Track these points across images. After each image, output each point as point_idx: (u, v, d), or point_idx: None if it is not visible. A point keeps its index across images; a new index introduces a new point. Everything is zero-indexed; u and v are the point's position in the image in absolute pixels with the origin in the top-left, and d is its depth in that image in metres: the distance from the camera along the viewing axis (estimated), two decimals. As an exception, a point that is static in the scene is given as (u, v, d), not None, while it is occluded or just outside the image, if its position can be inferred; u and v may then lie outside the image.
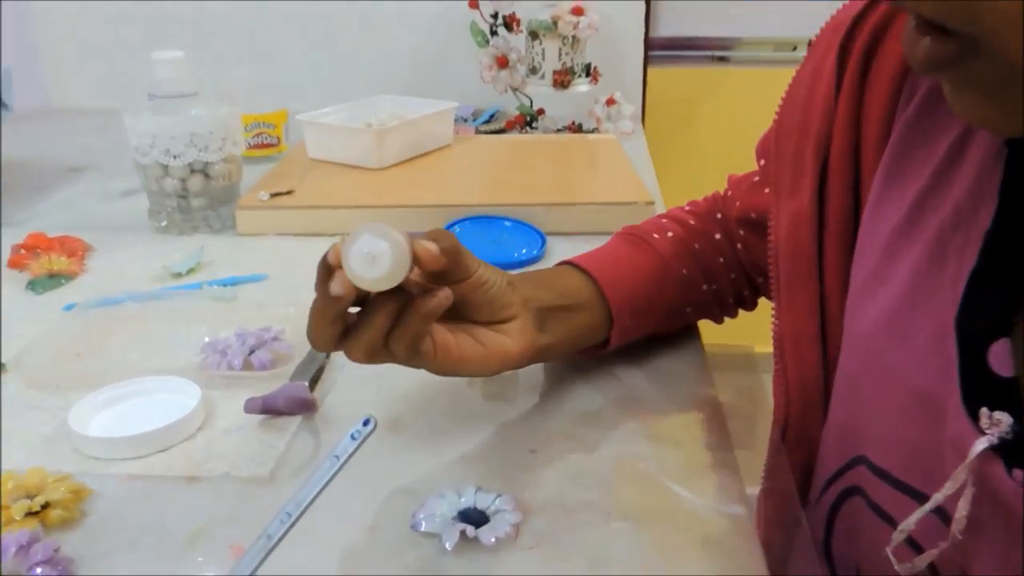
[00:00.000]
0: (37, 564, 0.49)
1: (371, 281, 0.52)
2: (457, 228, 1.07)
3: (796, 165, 0.60)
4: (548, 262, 1.01)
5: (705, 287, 0.78)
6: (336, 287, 0.52)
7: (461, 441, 0.65)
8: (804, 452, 0.65)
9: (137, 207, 1.15)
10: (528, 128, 1.58)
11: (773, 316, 0.63)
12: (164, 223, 1.10)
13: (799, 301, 0.61)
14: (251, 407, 0.66)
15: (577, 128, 1.57)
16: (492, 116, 1.66)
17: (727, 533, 0.56)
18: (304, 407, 0.67)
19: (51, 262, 0.97)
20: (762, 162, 0.75)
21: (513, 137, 1.50)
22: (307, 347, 0.76)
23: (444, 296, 0.55)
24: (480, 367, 0.62)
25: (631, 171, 1.23)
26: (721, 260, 0.78)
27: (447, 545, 0.53)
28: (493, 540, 0.53)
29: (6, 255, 1.00)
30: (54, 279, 0.95)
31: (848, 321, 0.58)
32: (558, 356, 0.71)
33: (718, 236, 0.79)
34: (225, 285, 0.92)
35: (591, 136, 1.48)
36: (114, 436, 0.64)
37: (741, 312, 0.82)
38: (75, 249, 1.01)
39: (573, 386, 0.72)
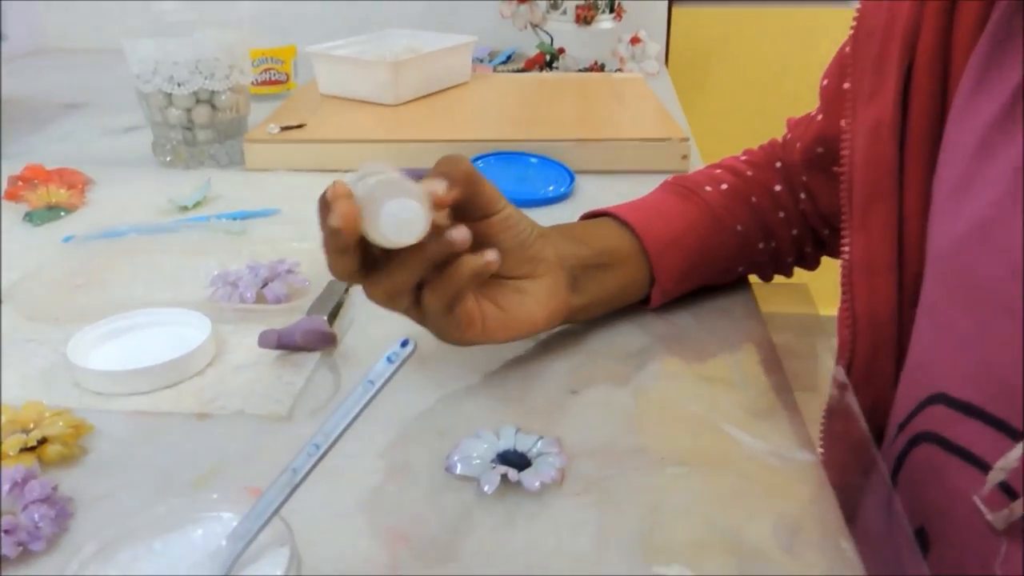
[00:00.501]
0: (33, 502, 0.44)
1: (404, 244, 0.49)
2: (480, 164, 1.00)
3: (878, 67, 0.54)
4: (577, 202, 0.95)
5: (762, 245, 0.71)
6: (335, 220, 0.48)
7: (497, 380, 0.60)
8: (871, 395, 0.59)
9: (140, 142, 1.09)
10: (548, 69, 1.51)
11: (844, 244, 0.57)
12: (169, 157, 1.04)
13: (875, 224, 0.55)
14: (266, 341, 0.60)
15: (600, 68, 1.49)
16: (509, 57, 1.58)
17: (794, 480, 0.51)
18: (323, 341, 0.61)
19: (49, 194, 0.91)
20: (825, 82, 0.69)
21: (535, 75, 1.43)
22: (324, 281, 0.71)
23: (493, 258, 0.53)
24: (503, 337, 0.58)
25: (661, 108, 1.16)
26: (781, 215, 0.72)
27: (486, 488, 0.48)
28: (538, 485, 0.48)
29: (3, 187, 0.94)
30: (52, 211, 0.89)
31: (930, 242, 0.52)
32: (591, 316, 0.65)
33: (778, 188, 0.72)
34: (235, 219, 0.86)
35: (616, 75, 1.40)
36: (117, 369, 0.58)
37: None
38: (75, 181, 0.95)
39: (614, 324, 0.66)
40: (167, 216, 0.89)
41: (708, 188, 0.70)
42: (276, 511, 0.34)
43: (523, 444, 0.52)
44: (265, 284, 0.69)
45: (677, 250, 0.66)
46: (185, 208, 0.90)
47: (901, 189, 0.54)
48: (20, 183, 0.93)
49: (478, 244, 0.53)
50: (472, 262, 0.52)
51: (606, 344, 0.64)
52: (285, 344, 0.60)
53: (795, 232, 0.72)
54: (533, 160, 1.02)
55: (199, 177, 0.98)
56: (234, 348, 0.63)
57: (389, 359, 0.36)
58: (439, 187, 0.50)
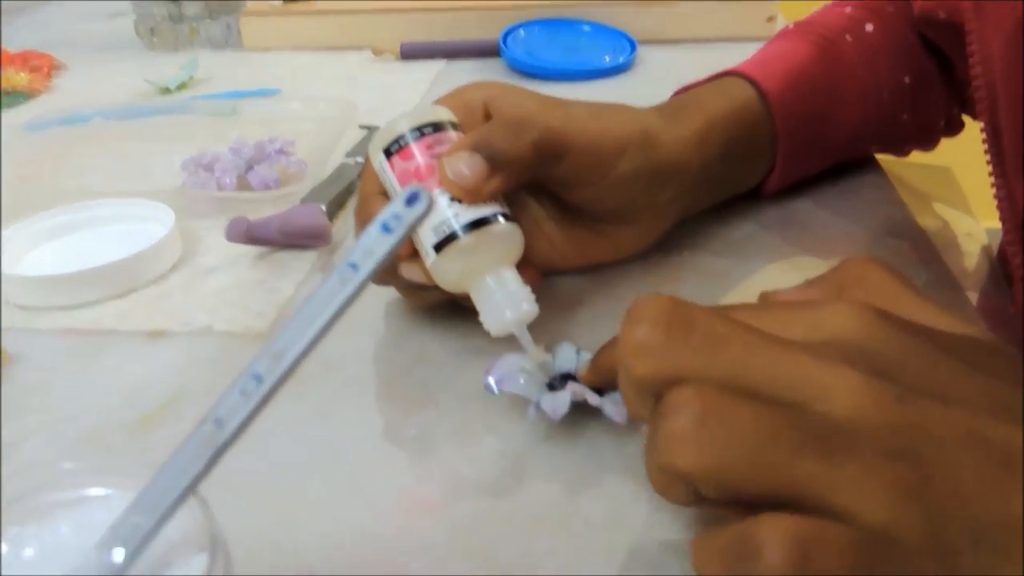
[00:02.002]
0: None
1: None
2: (521, 32, 0.83)
3: None
4: (639, 75, 0.78)
5: (906, 116, 0.53)
6: (409, 274, 0.37)
7: (551, 285, 0.44)
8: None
9: (126, 26, 0.93)
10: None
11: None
12: (154, 38, 0.88)
13: None
14: (233, 232, 0.45)
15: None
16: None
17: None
18: (312, 236, 0.46)
19: (7, 78, 0.76)
20: None
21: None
22: (325, 164, 0.55)
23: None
24: (560, 267, 0.43)
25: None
26: (934, 62, 0.54)
27: (550, 412, 0.32)
28: (625, 416, 0.33)
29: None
30: (11, 97, 0.74)
31: None
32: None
33: (917, 33, 0.54)
34: (224, 99, 0.70)
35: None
36: (49, 275, 0.44)
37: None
38: (40, 65, 0.80)
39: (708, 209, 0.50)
40: (145, 101, 0.74)
41: (849, 37, 0.52)
42: (188, 489, 0.19)
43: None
44: (250, 168, 0.54)
45: (810, 126, 0.49)
46: (167, 91, 0.75)
47: None
48: (-25, 68, 0.78)
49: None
50: None
51: (696, 232, 0.48)
52: (258, 237, 0.45)
53: (945, 86, 0.54)
54: (586, 28, 0.84)
55: (188, 59, 0.82)
56: (207, 248, 0.49)
57: (385, 227, 0.21)
58: (475, 178, 0.36)
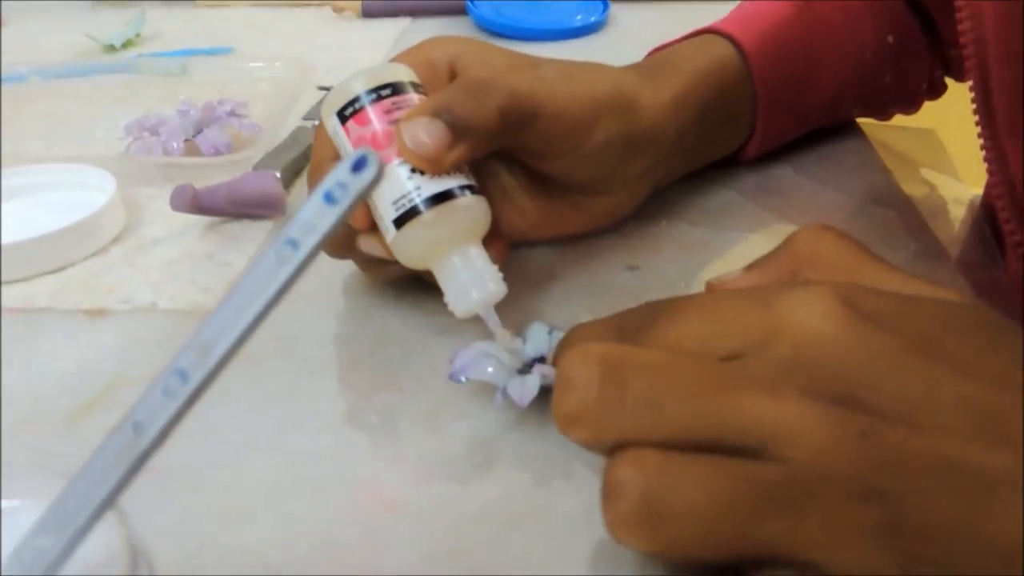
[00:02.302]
0: None
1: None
2: (488, -11, 0.79)
3: None
4: (612, 35, 0.74)
5: (889, 79, 0.51)
6: (368, 247, 0.35)
7: (520, 257, 0.41)
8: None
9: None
10: None
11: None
12: (99, -7, 0.83)
13: None
14: (178, 200, 0.42)
15: None
16: None
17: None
18: (267, 205, 0.43)
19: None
20: None
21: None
22: (280, 128, 0.52)
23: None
24: (530, 238, 0.41)
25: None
26: (917, 21, 0.51)
27: (516, 398, 0.30)
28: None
29: None
30: (-59, 56, 0.69)
31: None
32: None
33: None
34: (173, 58, 0.66)
35: None
36: (-25, 249, 0.40)
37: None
38: (-26, 20, 0.75)
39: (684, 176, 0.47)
40: (88, 59, 0.69)
41: None
42: (103, 505, 0.16)
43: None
44: (199, 131, 0.50)
45: (791, 88, 0.47)
46: (111, 48, 0.71)
47: None
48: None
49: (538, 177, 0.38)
50: None
51: (673, 201, 0.46)
52: (206, 207, 0.42)
53: (929, 47, 0.52)
54: (555, -16, 0.80)
55: (134, 14, 0.77)
56: (152, 218, 0.45)
57: (329, 197, 0.18)
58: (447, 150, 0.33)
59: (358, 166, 0.18)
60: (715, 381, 0.22)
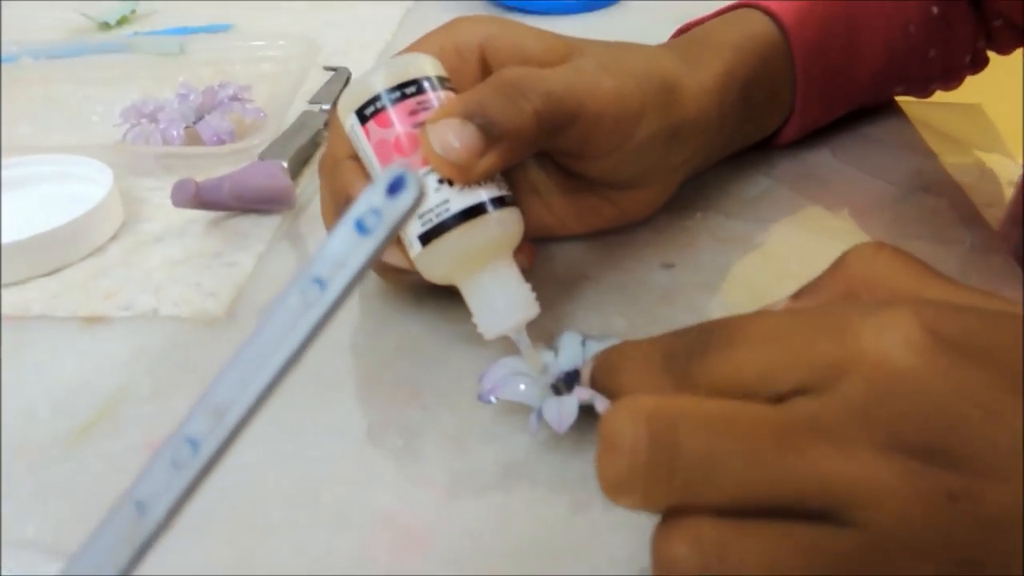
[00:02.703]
0: None
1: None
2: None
3: None
4: (625, 10, 0.71)
5: (933, 52, 0.48)
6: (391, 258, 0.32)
7: (549, 257, 0.39)
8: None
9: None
10: None
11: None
12: (91, -34, 0.79)
13: None
14: (180, 195, 0.39)
15: None
16: None
17: None
18: (274, 199, 0.40)
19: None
20: None
21: None
22: (285, 112, 0.49)
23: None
24: (557, 234, 0.38)
25: None
26: None
27: (554, 424, 0.28)
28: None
29: None
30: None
31: None
32: None
33: None
34: (170, 36, 0.63)
35: None
36: (-37, 251, 0.38)
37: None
38: (-41, -3, 0.71)
39: (718, 164, 0.45)
40: (80, 37, 0.66)
41: None
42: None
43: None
44: (200, 117, 0.47)
45: (832, 65, 0.44)
46: (106, 26, 0.67)
47: None
48: None
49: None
50: None
51: (707, 191, 0.43)
52: (209, 201, 0.39)
53: (973, 17, 0.49)
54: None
55: (128, -12, 0.74)
56: (152, 213, 0.42)
57: (361, 226, 0.15)
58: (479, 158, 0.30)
59: (394, 188, 0.16)
60: (779, 435, 0.19)
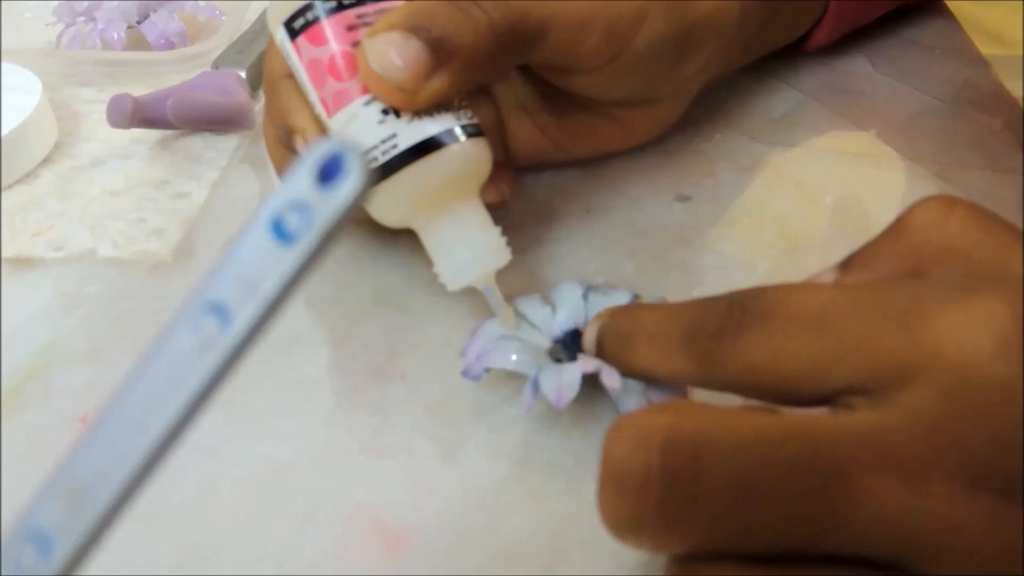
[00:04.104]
0: None
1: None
2: None
3: None
4: None
5: None
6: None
7: (544, 187, 0.34)
8: None
9: None
10: None
11: None
12: None
13: None
14: (115, 114, 0.34)
15: None
16: None
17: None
18: (230, 118, 0.35)
19: None
20: None
21: None
22: (246, 12, 0.43)
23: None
24: (552, 160, 0.33)
25: None
26: None
27: (551, 395, 0.24)
28: (651, 399, 0.24)
29: None
30: None
31: None
32: None
33: None
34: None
35: None
36: None
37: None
38: None
39: (738, 74, 0.39)
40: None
41: None
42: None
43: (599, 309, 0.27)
44: (145, 16, 0.41)
45: None
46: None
47: None
48: None
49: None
50: None
51: (725, 106, 0.37)
52: (151, 120, 0.34)
53: None
54: None
55: None
56: (90, 131, 0.37)
57: (280, 230, 0.10)
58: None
59: (328, 173, 0.11)
60: (832, 465, 0.15)
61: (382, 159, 0.24)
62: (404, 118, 0.24)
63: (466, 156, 0.25)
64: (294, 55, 0.25)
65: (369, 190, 0.11)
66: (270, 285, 0.11)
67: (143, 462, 0.10)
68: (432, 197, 0.25)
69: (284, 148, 0.27)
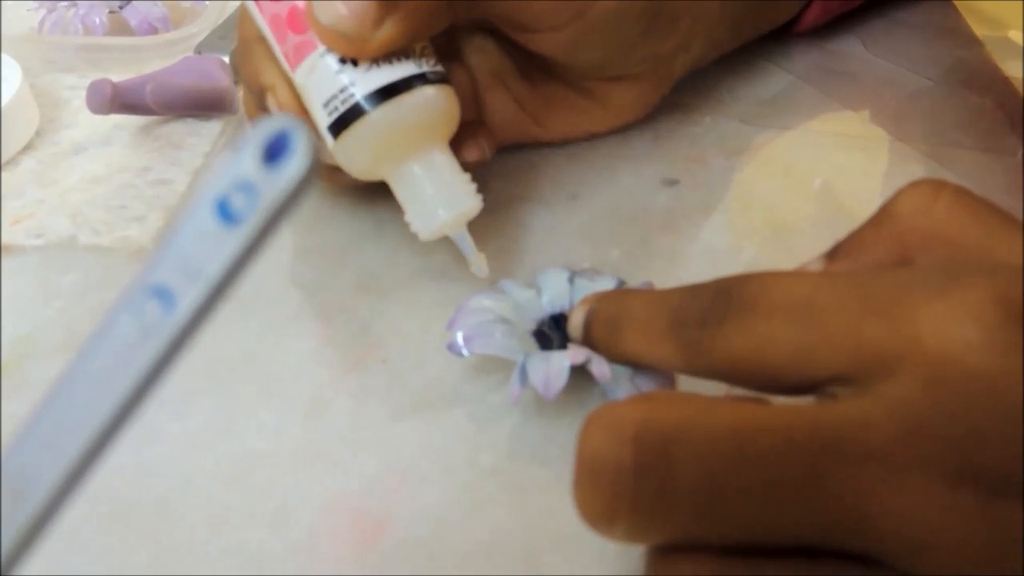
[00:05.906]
0: None
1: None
2: None
3: None
4: None
5: None
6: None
7: (529, 170, 0.33)
8: None
9: None
10: None
11: None
12: None
13: None
14: (95, 100, 0.33)
15: None
16: None
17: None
18: (212, 103, 0.34)
19: None
20: None
21: None
22: (231, -7, 0.42)
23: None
24: (532, 138, 0.33)
25: None
26: None
27: (538, 385, 0.23)
28: (640, 387, 0.23)
29: None
30: None
31: None
32: None
33: None
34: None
35: None
36: None
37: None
38: None
39: (727, 56, 0.38)
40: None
41: None
42: None
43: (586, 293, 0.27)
44: (127, 2, 0.40)
45: None
46: None
47: None
48: None
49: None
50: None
51: (715, 88, 0.37)
52: (131, 105, 0.33)
53: None
54: None
55: None
56: (72, 118, 0.37)
57: (225, 211, 0.10)
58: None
59: (275, 152, 0.10)
60: (807, 459, 0.15)
61: (341, 108, 0.25)
62: (362, 67, 0.25)
63: (428, 102, 0.25)
64: (258, 14, 0.26)
65: (316, 170, 0.10)
66: (215, 268, 0.10)
67: (85, 453, 0.10)
68: (397, 145, 0.25)
69: (262, 113, 0.27)
